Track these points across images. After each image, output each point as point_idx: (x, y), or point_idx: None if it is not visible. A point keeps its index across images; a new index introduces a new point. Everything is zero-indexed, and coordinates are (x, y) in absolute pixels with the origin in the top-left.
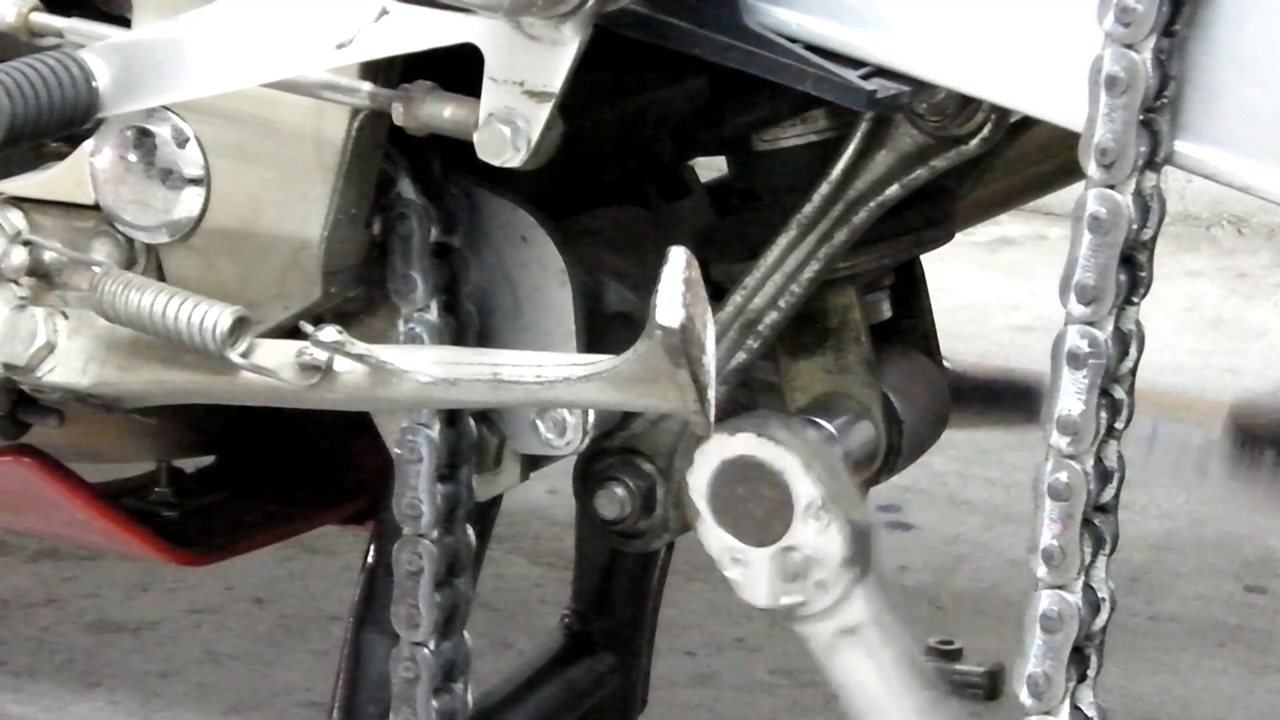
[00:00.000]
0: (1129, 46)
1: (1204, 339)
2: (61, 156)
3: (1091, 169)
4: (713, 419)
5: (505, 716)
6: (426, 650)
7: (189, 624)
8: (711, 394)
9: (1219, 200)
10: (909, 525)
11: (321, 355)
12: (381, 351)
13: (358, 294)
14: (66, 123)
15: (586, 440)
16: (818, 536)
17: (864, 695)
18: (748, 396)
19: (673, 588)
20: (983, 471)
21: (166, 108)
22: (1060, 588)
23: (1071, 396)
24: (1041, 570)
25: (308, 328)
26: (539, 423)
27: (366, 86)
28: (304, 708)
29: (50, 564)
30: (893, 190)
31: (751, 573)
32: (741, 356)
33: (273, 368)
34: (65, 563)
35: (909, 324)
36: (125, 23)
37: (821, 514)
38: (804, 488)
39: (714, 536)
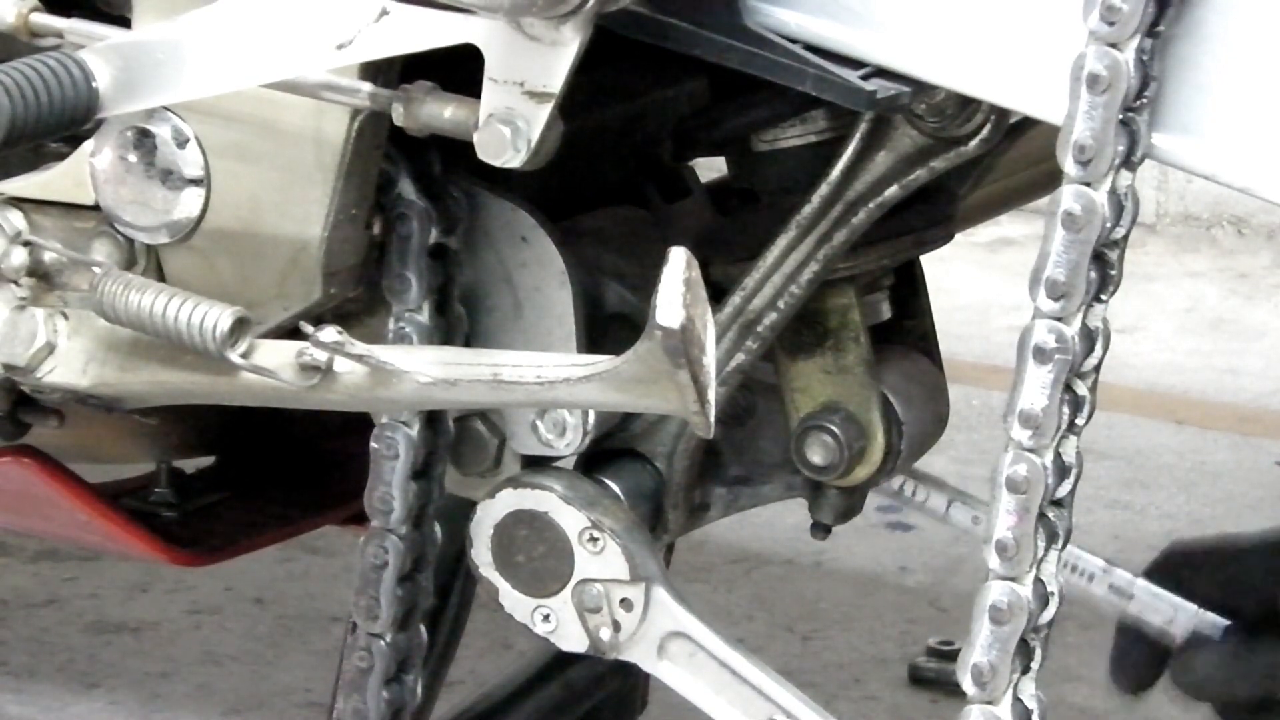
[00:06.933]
0: (1112, 45)
1: (1204, 339)
2: (61, 156)
3: (1069, 166)
4: (713, 419)
5: (505, 716)
6: (383, 642)
7: (189, 624)
8: (711, 394)
9: (1219, 201)
10: (909, 525)
11: (321, 356)
12: (381, 352)
13: (358, 294)
14: (66, 123)
15: (587, 440)
16: (599, 559)
17: (713, 690)
18: (748, 397)
19: None
20: (983, 472)
21: (166, 108)
22: (1012, 579)
23: (1035, 391)
24: (994, 562)
25: (308, 328)
26: (539, 423)
27: (366, 87)
28: (304, 708)
29: (50, 564)
30: (892, 191)
31: (561, 621)
32: (741, 357)
33: (273, 368)
34: (65, 563)
35: (909, 325)
36: (125, 23)
37: (595, 537)
38: (569, 518)
39: (518, 602)
